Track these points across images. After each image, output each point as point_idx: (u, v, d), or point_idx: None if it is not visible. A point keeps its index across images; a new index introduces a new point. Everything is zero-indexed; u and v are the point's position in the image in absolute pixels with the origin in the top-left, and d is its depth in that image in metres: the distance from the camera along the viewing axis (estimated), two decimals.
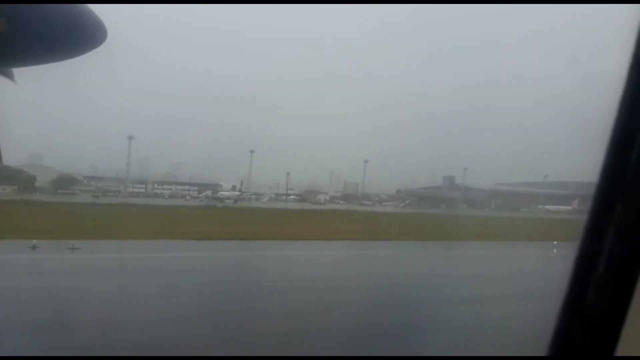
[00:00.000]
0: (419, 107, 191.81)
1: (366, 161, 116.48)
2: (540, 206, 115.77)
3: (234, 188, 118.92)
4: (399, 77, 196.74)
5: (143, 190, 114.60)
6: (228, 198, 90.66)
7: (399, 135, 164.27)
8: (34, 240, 30.99)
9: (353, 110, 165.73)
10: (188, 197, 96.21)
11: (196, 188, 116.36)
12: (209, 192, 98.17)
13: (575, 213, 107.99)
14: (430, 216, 76.98)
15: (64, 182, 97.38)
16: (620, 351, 2.19)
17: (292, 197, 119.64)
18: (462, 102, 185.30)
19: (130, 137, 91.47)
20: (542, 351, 2.50)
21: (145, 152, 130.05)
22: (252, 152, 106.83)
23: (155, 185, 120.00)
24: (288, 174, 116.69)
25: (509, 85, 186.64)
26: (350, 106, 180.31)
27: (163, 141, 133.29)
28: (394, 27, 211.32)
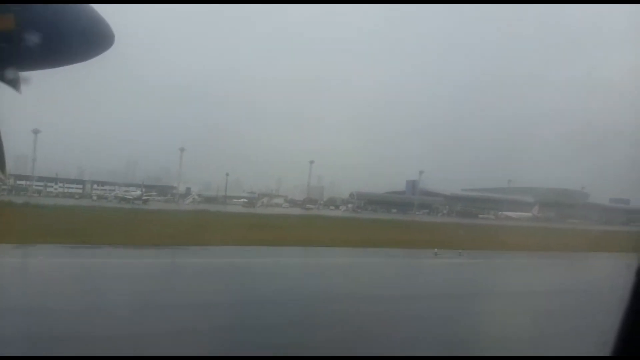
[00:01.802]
0: (394, 113, 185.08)
1: (312, 162, 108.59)
2: (499, 212, 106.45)
3: (190, 191, 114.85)
4: (375, 82, 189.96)
5: (80, 191, 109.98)
6: (136, 199, 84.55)
7: (377, 141, 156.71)
8: None
9: (340, 116, 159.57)
10: (94, 197, 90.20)
11: (144, 189, 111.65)
12: (118, 193, 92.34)
13: (535, 220, 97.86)
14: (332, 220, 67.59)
15: None
16: None
17: (243, 200, 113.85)
18: (439, 107, 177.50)
19: (35, 131, 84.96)
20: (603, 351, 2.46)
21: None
22: (182, 150, 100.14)
23: (95, 186, 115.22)
24: (227, 174, 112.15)
25: (485, 89, 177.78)
26: (339, 112, 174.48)
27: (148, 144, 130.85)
28: (369, 28, 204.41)
